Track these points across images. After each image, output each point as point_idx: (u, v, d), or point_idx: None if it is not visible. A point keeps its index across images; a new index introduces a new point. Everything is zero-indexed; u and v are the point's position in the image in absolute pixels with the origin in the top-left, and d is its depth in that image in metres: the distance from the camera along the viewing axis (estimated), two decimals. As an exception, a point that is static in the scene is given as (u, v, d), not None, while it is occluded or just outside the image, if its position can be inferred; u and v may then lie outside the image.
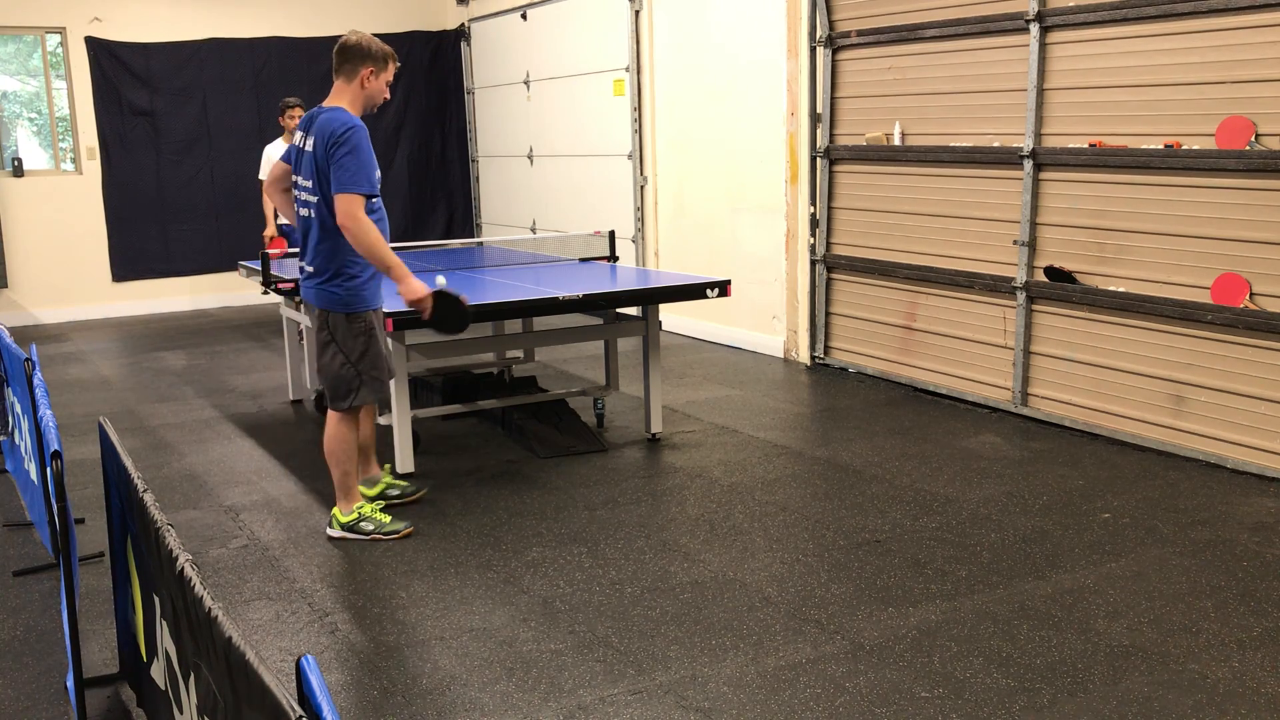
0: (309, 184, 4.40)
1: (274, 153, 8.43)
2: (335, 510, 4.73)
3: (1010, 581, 4.13)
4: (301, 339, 7.17)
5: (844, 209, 7.52)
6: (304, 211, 4.48)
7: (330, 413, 4.62)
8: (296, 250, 4.87)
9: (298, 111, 8.28)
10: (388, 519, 4.74)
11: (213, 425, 6.66)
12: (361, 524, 4.68)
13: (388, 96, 4.59)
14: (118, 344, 9.57)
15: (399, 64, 4.60)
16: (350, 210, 4.24)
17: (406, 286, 4.43)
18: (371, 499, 5.00)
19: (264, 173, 8.39)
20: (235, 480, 5.59)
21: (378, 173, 4.37)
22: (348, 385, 4.53)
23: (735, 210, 8.49)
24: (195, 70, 11.17)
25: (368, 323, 4.52)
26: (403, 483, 5.16)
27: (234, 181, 11.45)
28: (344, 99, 4.43)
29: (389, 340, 4.80)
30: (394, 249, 7.91)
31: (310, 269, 4.49)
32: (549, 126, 10.87)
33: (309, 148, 4.38)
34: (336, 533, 4.70)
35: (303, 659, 1.58)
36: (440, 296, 4.52)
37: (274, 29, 11.47)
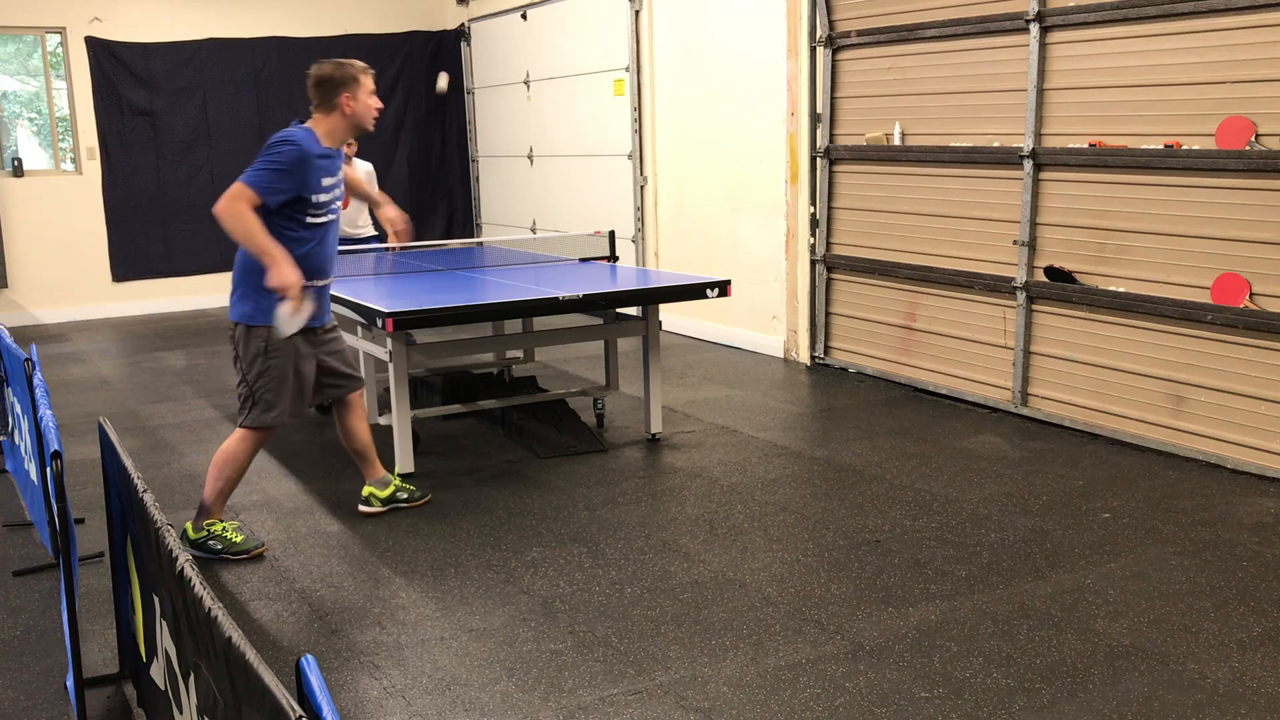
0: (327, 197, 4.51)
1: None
2: (188, 525, 4.59)
3: (1010, 581, 4.13)
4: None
5: (844, 209, 7.52)
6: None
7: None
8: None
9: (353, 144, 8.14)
10: (239, 538, 4.54)
11: (213, 425, 6.66)
12: (209, 542, 4.51)
13: (379, 105, 4.58)
14: (118, 344, 9.57)
15: (373, 70, 4.60)
16: (230, 194, 4.25)
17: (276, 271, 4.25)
18: (384, 501, 4.99)
19: None
20: (235, 480, 5.58)
21: (310, 194, 4.34)
22: (242, 401, 4.56)
23: (735, 210, 8.49)
24: (195, 70, 11.17)
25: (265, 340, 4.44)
26: (410, 486, 5.15)
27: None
28: (320, 127, 4.44)
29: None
30: (393, 249, 7.90)
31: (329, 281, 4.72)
32: (549, 126, 10.87)
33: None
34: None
35: (303, 659, 1.58)
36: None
37: (274, 29, 11.47)
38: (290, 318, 4.26)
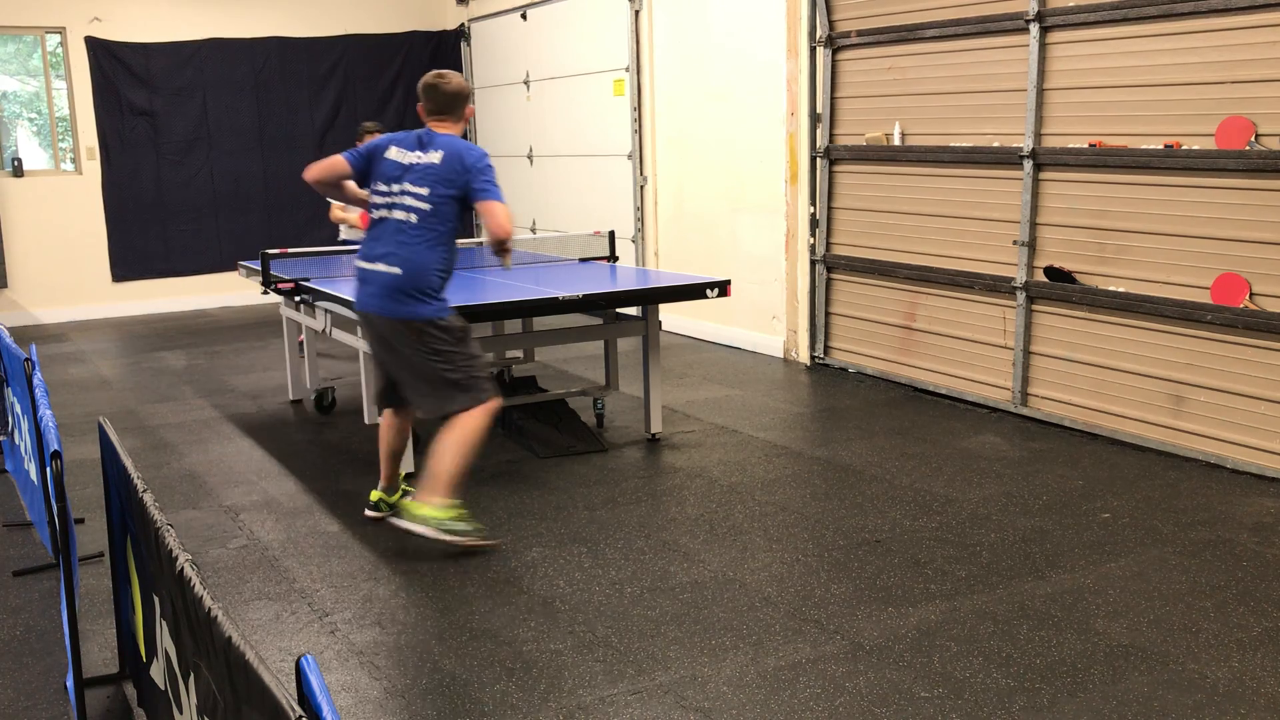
0: (423, 190, 4.50)
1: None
2: (414, 503, 4.53)
3: (1010, 581, 4.13)
4: (301, 340, 7.16)
5: (844, 209, 7.52)
6: (399, 214, 4.53)
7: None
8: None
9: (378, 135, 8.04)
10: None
11: (213, 425, 6.66)
12: (459, 524, 4.48)
13: None
14: (118, 344, 9.57)
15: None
16: (507, 213, 4.53)
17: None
18: (373, 504, 4.97)
19: (348, 214, 8.09)
20: (235, 480, 5.59)
21: None
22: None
23: (735, 210, 8.49)
24: (195, 70, 11.17)
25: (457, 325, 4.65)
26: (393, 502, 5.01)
27: (234, 181, 11.46)
28: (457, 131, 4.69)
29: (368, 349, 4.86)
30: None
31: (394, 269, 4.50)
32: (549, 126, 10.87)
33: (427, 160, 4.53)
34: (418, 526, 4.49)
35: (303, 659, 1.57)
36: None
37: (274, 29, 11.47)
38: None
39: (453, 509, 4.49)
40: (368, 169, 4.68)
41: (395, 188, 4.54)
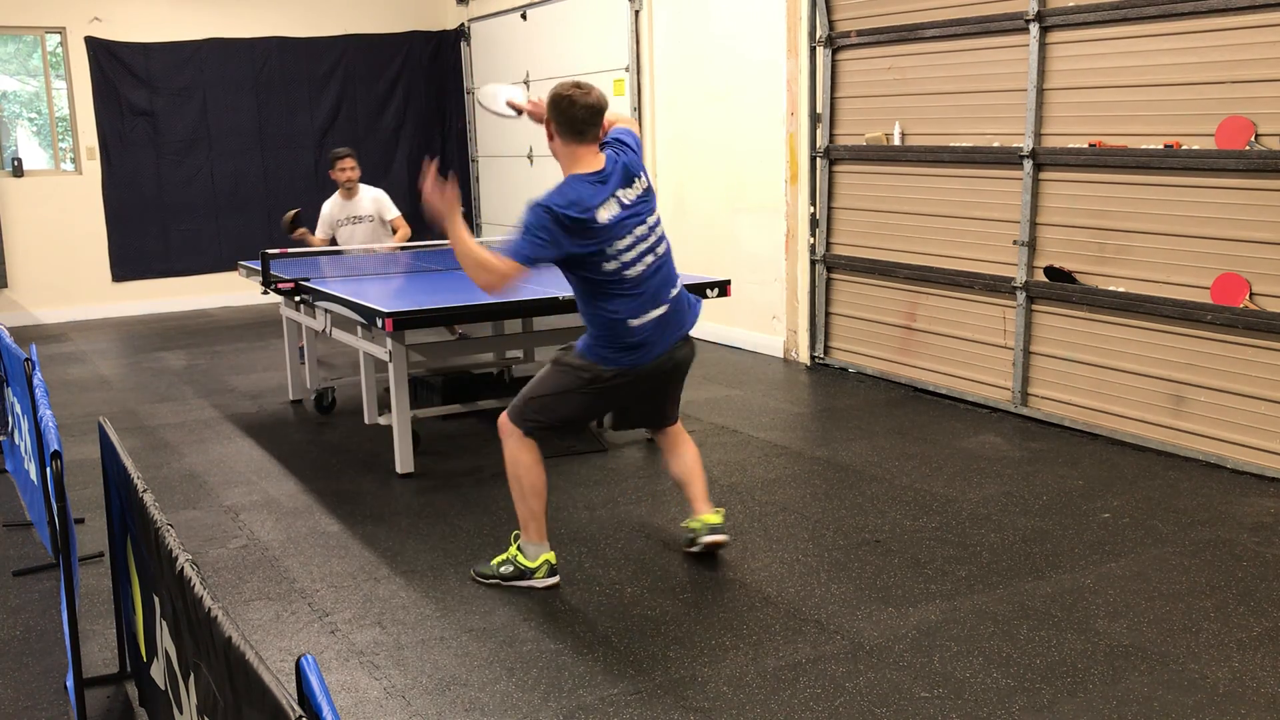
0: (656, 220, 4.08)
1: (332, 213, 8.04)
2: (699, 519, 4.34)
3: (1010, 581, 4.13)
4: (301, 345, 7.16)
5: (844, 209, 7.52)
6: (650, 259, 4.04)
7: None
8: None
9: (349, 163, 7.92)
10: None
11: (213, 425, 6.66)
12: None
13: None
14: (118, 344, 9.57)
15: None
16: None
17: None
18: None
19: (321, 232, 8.05)
20: (235, 480, 5.59)
21: None
22: None
23: (735, 210, 8.49)
24: (195, 70, 11.17)
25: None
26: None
27: (234, 181, 11.46)
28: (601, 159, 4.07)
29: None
30: (393, 249, 7.90)
31: (676, 291, 4.17)
32: (549, 126, 10.85)
33: (640, 190, 4.04)
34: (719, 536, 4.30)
35: (303, 659, 1.57)
36: None
37: (274, 29, 11.47)
38: None
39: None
40: (569, 254, 3.98)
41: (641, 231, 4.01)
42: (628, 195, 3.98)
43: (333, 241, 8.04)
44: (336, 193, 8.09)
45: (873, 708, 3.27)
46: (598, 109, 3.97)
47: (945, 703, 3.28)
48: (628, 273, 3.99)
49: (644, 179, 4.08)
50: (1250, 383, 5.26)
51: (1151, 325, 5.66)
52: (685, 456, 4.46)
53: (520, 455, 4.14)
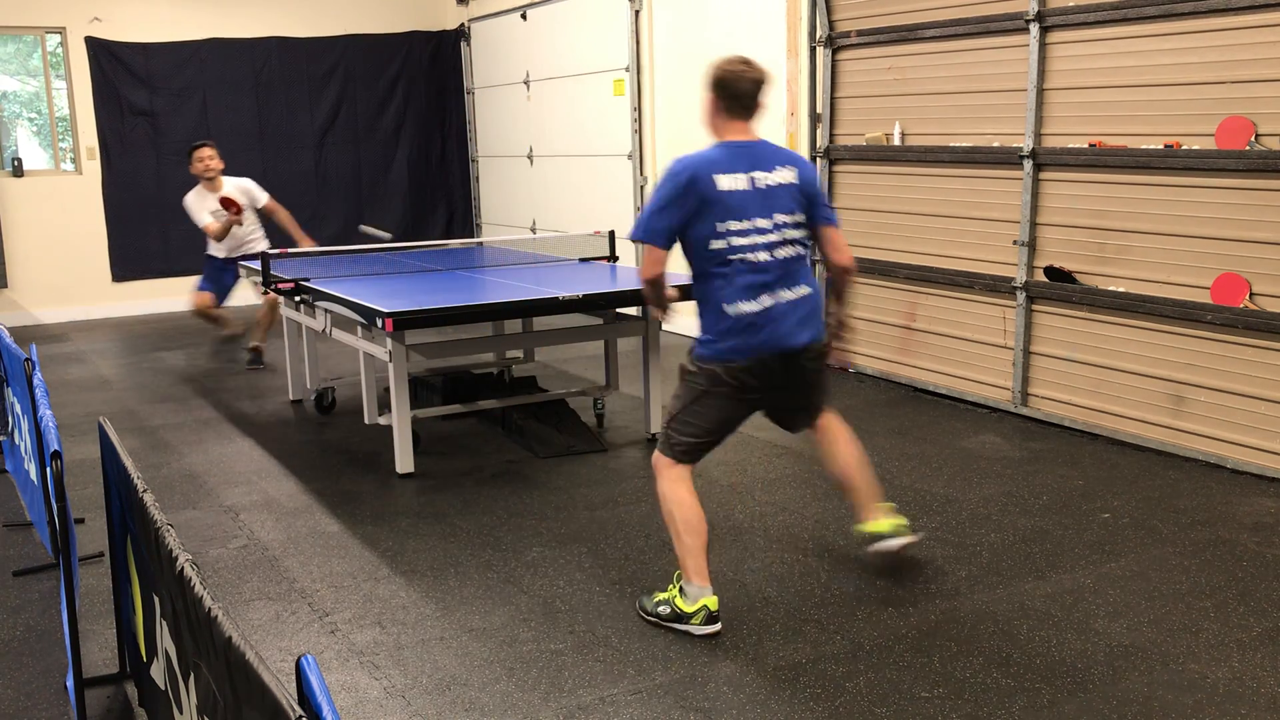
0: (790, 219, 3.85)
1: (197, 203, 8.13)
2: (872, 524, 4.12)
3: (1010, 581, 4.13)
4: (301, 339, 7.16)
5: (844, 209, 7.51)
6: (783, 252, 3.85)
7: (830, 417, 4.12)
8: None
9: (209, 152, 8.09)
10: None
11: (213, 425, 6.66)
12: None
13: None
14: (118, 344, 9.57)
15: None
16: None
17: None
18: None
19: (199, 220, 8.13)
20: (235, 480, 5.59)
21: None
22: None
23: (735, 210, 8.48)
24: (195, 70, 11.17)
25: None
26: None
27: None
28: (756, 136, 3.96)
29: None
30: (392, 249, 7.90)
31: (806, 291, 3.92)
32: (549, 127, 10.87)
33: (782, 180, 3.85)
34: (900, 540, 4.10)
35: (303, 659, 1.57)
36: None
37: (274, 29, 11.47)
38: None
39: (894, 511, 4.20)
40: (685, 223, 3.82)
41: (763, 224, 3.82)
42: (762, 180, 3.82)
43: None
44: (198, 186, 8.22)
45: (873, 708, 3.27)
46: (760, 82, 3.90)
47: (945, 703, 3.28)
48: (732, 257, 3.79)
49: (797, 178, 3.88)
50: (1250, 383, 5.26)
51: (1151, 325, 5.66)
52: (840, 455, 4.14)
53: (670, 491, 3.87)
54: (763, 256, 3.80)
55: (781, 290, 3.83)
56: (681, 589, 3.82)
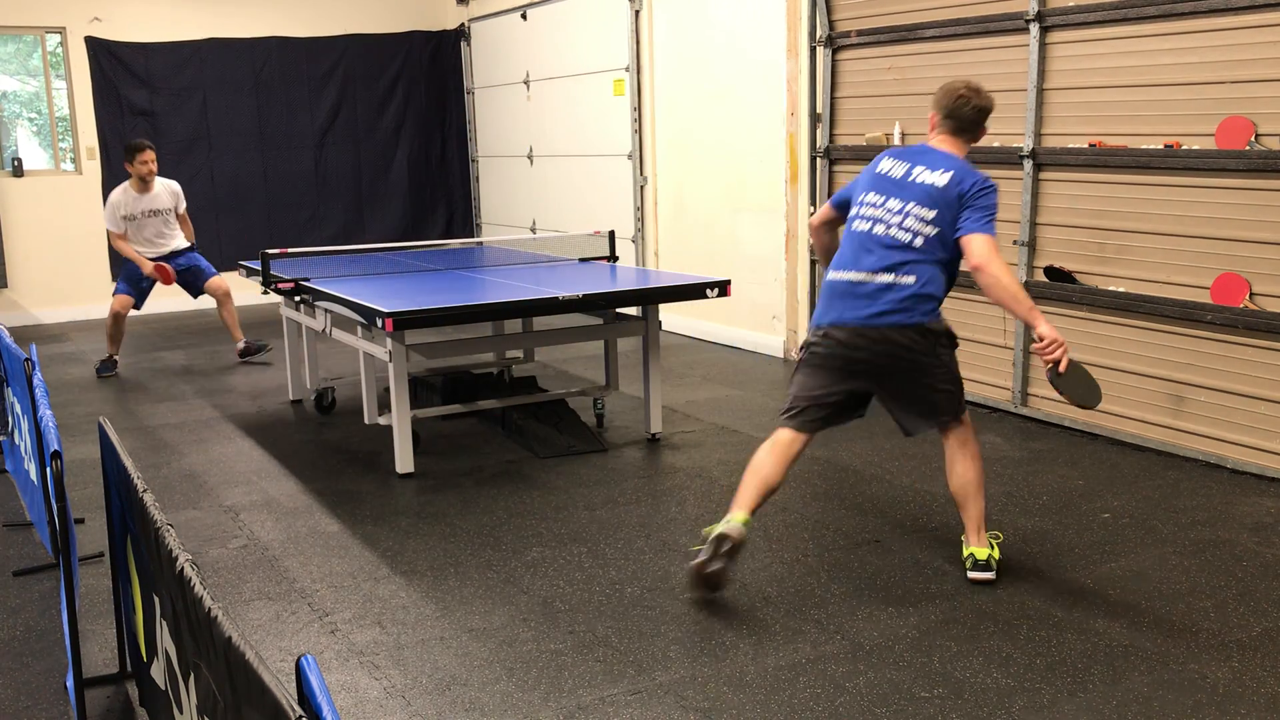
0: (927, 213, 4.01)
1: (126, 204, 8.19)
2: (976, 549, 4.17)
3: (1010, 581, 4.13)
4: (302, 339, 7.16)
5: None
6: (899, 233, 4.04)
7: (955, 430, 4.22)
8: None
9: (150, 155, 8.16)
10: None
11: (213, 425, 6.66)
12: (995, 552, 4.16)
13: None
14: (118, 344, 9.56)
15: None
16: (992, 247, 3.98)
17: (1041, 327, 3.89)
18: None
19: (113, 225, 8.19)
20: (235, 480, 5.59)
21: None
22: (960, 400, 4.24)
23: (735, 210, 8.49)
24: (195, 70, 11.17)
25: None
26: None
27: (234, 181, 11.46)
28: (960, 153, 4.17)
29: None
30: (394, 249, 7.91)
31: (907, 279, 4.02)
32: (549, 126, 10.87)
33: (931, 180, 4.04)
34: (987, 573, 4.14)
35: (303, 659, 1.57)
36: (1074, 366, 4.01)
37: (274, 29, 11.47)
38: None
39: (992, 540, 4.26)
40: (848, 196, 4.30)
41: (893, 205, 4.10)
42: (919, 176, 4.10)
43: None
44: (128, 184, 8.25)
45: (873, 708, 3.27)
46: (984, 111, 4.19)
47: (945, 703, 3.28)
48: (854, 224, 4.21)
49: (952, 187, 4.02)
50: (1250, 383, 5.26)
51: (1151, 325, 5.66)
52: (954, 474, 4.23)
53: (763, 446, 4.23)
54: (871, 231, 4.13)
55: (865, 265, 4.11)
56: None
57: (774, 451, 4.17)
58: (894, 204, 4.10)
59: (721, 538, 3.94)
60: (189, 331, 10.01)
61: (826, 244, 4.58)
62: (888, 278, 4.04)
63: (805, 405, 4.17)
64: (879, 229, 4.09)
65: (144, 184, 8.21)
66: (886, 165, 4.21)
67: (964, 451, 4.21)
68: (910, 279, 4.02)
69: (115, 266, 11.03)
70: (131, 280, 8.34)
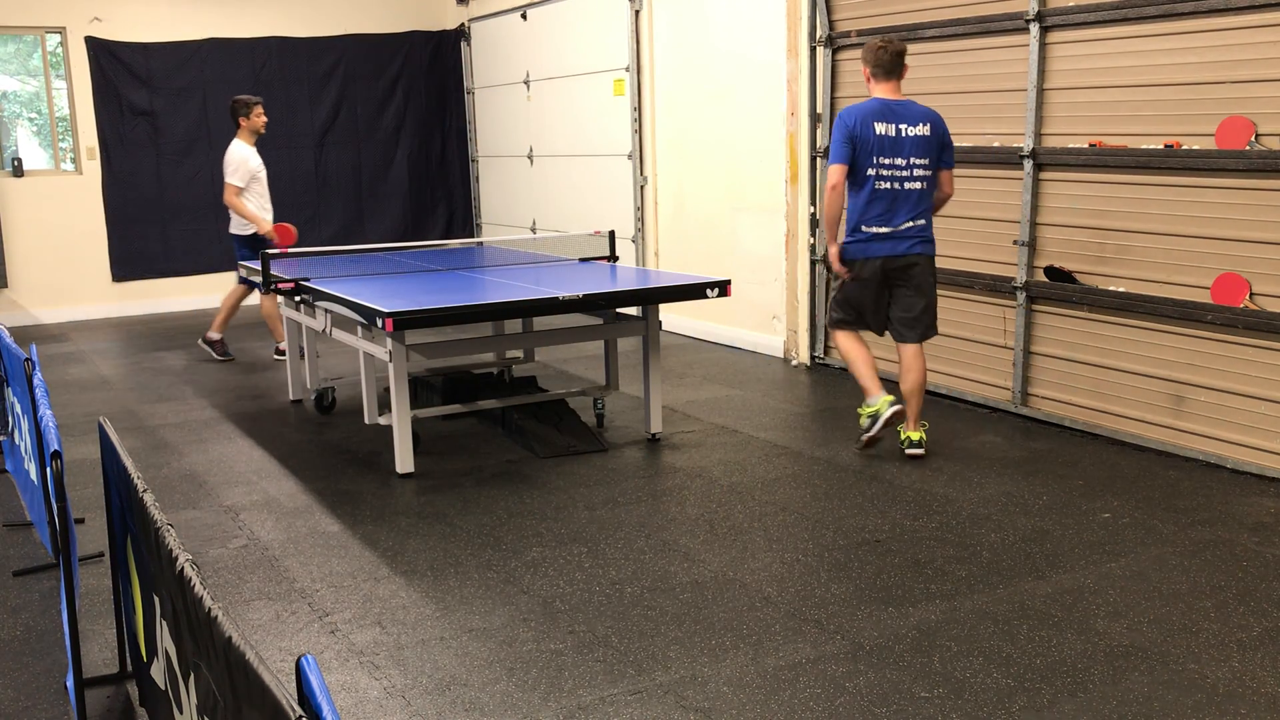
0: (923, 160, 5.37)
1: (251, 155, 8.20)
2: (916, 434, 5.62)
3: (1010, 581, 4.13)
4: (298, 345, 7.16)
5: (844, 209, 7.50)
6: (912, 185, 5.38)
7: (918, 346, 5.58)
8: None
9: (260, 109, 8.24)
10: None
11: (213, 425, 6.66)
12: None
13: None
14: (118, 344, 9.57)
15: None
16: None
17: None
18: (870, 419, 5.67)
19: (240, 178, 8.14)
20: (235, 480, 5.59)
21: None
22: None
23: (735, 210, 8.49)
24: (195, 70, 11.17)
25: None
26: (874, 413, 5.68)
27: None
28: (899, 93, 5.44)
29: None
30: (394, 249, 7.91)
31: (920, 222, 5.43)
32: (549, 126, 10.87)
33: (919, 132, 5.35)
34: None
35: (303, 659, 1.57)
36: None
37: (274, 29, 11.48)
38: None
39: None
40: (854, 153, 5.38)
41: (900, 161, 5.34)
42: (911, 130, 5.36)
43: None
44: (241, 140, 8.25)
45: (873, 708, 3.27)
46: (899, 54, 5.42)
47: (945, 703, 3.28)
48: (878, 185, 5.38)
49: (934, 135, 5.39)
50: (1250, 383, 5.26)
51: (1151, 325, 5.66)
52: (909, 378, 5.59)
53: (839, 342, 5.74)
54: (893, 188, 5.38)
55: (897, 218, 5.40)
56: (866, 403, 5.64)
57: (854, 341, 5.66)
58: (900, 161, 5.35)
59: (893, 416, 5.49)
60: (189, 331, 10.01)
61: (839, 212, 5.56)
62: (912, 223, 5.43)
63: (859, 313, 5.61)
64: (899, 185, 5.37)
65: (256, 140, 8.21)
66: (880, 127, 5.33)
67: (918, 362, 5.59)
68: (924, 221, 5.46)
69: (116, 267, 11.04)
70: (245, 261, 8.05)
